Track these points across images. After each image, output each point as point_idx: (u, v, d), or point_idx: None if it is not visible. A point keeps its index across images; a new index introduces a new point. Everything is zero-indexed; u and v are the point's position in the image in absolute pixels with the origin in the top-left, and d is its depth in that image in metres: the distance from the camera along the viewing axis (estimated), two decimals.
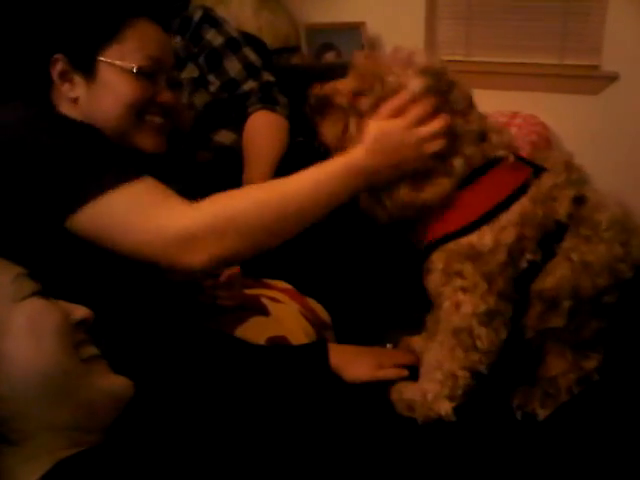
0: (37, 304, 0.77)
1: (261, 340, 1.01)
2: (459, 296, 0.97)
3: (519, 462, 0.88)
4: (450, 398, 0.97)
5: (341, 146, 0.99)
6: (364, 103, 0.98)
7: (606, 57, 2.43)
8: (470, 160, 0.97)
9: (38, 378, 0.73)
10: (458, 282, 0.97)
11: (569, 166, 1.00)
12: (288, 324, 1.07)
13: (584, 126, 2.51)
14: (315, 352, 0.99)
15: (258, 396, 0.92)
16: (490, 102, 2.51)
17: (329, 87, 1.02)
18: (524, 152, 1.06)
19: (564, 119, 2.53)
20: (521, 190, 0.96)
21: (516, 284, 0.99)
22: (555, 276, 0.97)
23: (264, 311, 1.07)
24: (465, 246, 0.96)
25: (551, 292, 0.98)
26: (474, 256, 0.95)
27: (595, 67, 2.48)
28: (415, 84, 0.96)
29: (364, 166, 0.93)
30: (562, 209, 0.96)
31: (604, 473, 0.85)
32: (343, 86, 1.01)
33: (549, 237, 0.97)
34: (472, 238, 0.96)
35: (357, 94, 0.99)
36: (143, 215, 0.90)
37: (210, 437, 0.81)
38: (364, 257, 1.36)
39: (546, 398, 1.03)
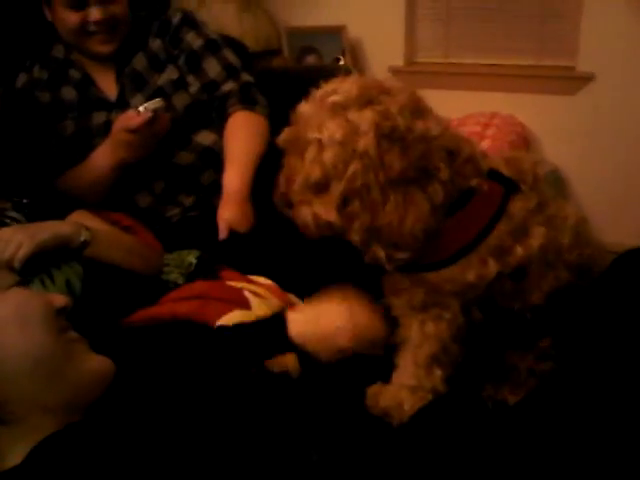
0: (21, 294, 0.81)
1: None
2: (436, 324, 0.98)
3: (494, 448, 0.90)
4: None
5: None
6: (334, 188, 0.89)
7: (582, 58, 2.47)
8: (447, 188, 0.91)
9: (29, 363, 0.76)
10: (436, 311, 0.97)
11: (537, 179, 0.99)
12: None
13: (561, 125, 2.55)
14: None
15: (228, 377, 0.93)
16: (469, 103, 2.60)
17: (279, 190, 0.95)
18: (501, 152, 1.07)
19: (542, 119, 2.57)
20: (496, 217, 0.94)
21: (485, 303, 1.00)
22: (525, 299, 0.99)
23: (246, 305, 1.10)
24: (447, 279, 0.94)
25: (517, 311, 1.01)
26: (458, 291, 0.95)
27: (572, 68, 2.52)
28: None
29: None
30: (535, 243, 0.95)
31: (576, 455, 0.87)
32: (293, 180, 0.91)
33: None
34: (454, 271, 0.94)
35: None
36: None
37: (184, 416, 0.83)
38: (341, 257, 1.39)
39: (515, 387, 1.06)
